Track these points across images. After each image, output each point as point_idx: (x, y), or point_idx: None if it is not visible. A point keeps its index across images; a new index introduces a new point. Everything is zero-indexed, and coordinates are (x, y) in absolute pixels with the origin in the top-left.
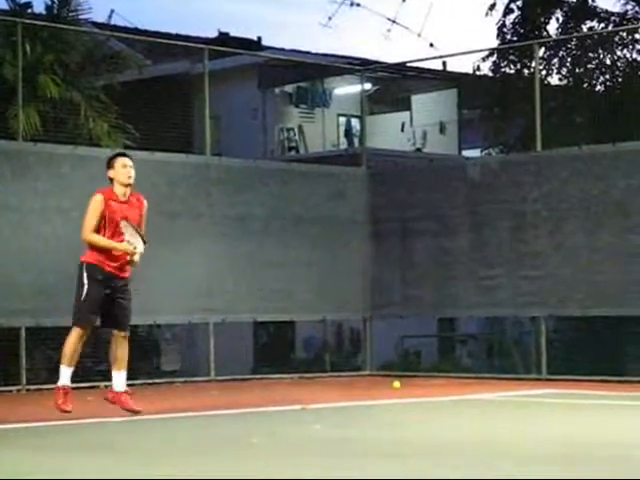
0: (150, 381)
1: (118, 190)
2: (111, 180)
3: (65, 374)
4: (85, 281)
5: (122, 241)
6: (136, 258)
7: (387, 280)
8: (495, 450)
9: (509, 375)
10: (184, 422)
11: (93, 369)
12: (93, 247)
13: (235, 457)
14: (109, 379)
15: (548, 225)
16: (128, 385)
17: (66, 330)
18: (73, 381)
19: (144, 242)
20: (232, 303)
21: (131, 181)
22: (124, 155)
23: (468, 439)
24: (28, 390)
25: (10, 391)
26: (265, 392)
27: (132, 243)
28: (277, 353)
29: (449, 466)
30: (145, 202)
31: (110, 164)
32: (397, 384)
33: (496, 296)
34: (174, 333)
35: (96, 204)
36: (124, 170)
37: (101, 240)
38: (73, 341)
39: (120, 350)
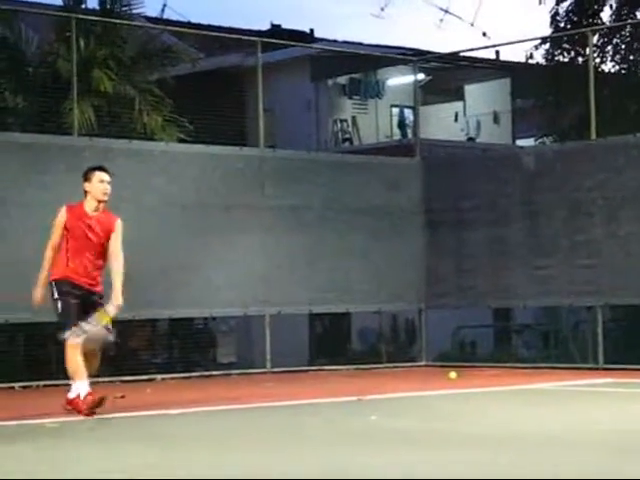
0: (207, 373)
1: (89, 205)
2: (85, 193)
3: (83, 386)
4: (56, 296)
5: (87, 258)
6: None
7: (442, 270)
8: (554, 440)
9: (565, 365)
10: (241, 414)
11: (149, 362)
12: (58, 261)
13: (292, 448)
14: (165, 371)
15: (603, 213)
16: (185, 378)
17: (122, 323)
18: (130, 374)
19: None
20: (288, 295)
21: (106, 198)
22: (102, 170)
23: (526, 429)
24: None
25: (68, 384)
26: (321, 384)
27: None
28: (333, 344)
29: (507, 456)
30: (118, 223)
31: (87, 177)
32: (453, 375)
33: (551, 285)
34: (230, 325)
35: (58, 216)
36: (101, 185)
37: (44, 260)
38: (72, 356)
39: (93, 362)
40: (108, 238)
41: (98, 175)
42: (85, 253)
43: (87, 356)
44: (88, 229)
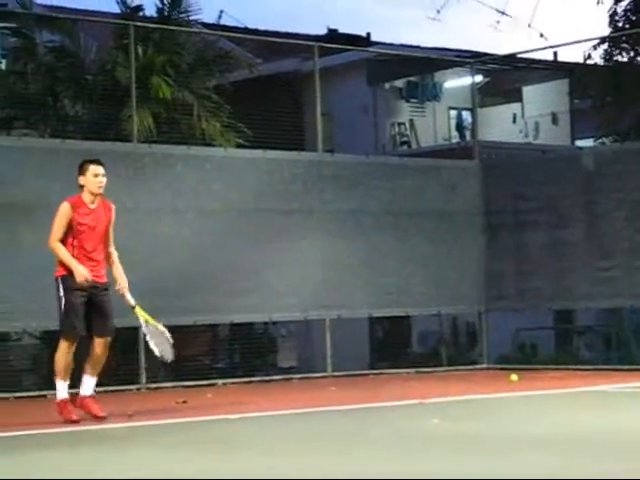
0: (267, 378)
1: (87, 198)
2: (81, 186)
3: (62, 388)
4: (62, 293)
5: (93, 251)
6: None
7: (502, 273)
8: (618, 442)
9: (627, 366)
10: (302, 418)
11: (210, 367)
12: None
13: (354, 451)
14: (226, 376)
15: None
16: (246, 382)
17: (183, 329)
18: (191, 379)
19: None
20: (347, 299)
21: (101, 191)
22: (97, 162)
23: (590, 431)
24: (148, 388)
25: (131, 390)
26: (382, 387)
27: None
28: (393, 348)
29: (569, 459)
30: (113, 209)
31: (82, 170)
32: (514, 377)
33: (613, 287)
34: (290, 330)
35: (63, 213)
36: (95, 179)
37: (62, 252)
38: (63, 354)
39: (101, 356)
40: (108, 226)
41: (93, 169)
42: (91, 246)
43: (98, 350)
44: (92, 222)
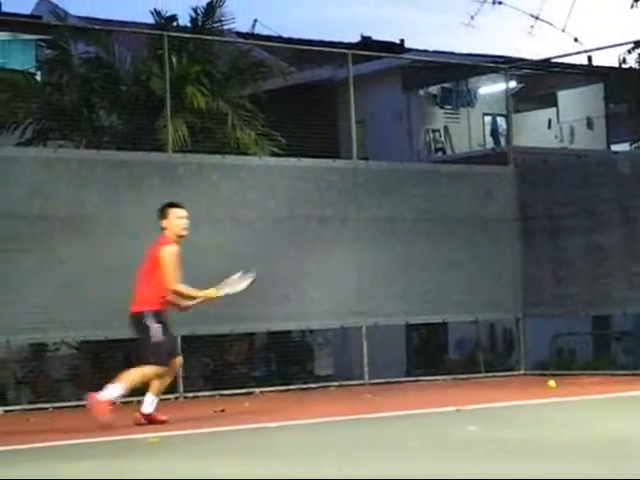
0: (304, 386)
1: (173, 240)
2: (163, 229)
3: (117, 391)
4: (155, 325)
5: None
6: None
7: (538, 279)
8: None
9: None
10: (340, 426)
11: (248, 375)
12: (158, 295)
13: (392, 459)
14: (264, 385)
15: None
16: (283, 391)
17: (220, 338)
18: (228, 387)
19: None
20: (384, 306)
21: (186, 232)
22: (178, 206)
23: (630, 437)
24: (185, 397)
25: (168, 399)
26: (419, 394)
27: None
28: (430, 355)
29: (610, 465)
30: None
31: (164, 214)
32: (552, 383)
33: None
34: (327, 337)
35: (175, 255)
36: (180, 222)
37: (187, 289)
38: (146, 375)
39: (169, 379)
40: None
41: (175, 212)
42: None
43: (166, 374)
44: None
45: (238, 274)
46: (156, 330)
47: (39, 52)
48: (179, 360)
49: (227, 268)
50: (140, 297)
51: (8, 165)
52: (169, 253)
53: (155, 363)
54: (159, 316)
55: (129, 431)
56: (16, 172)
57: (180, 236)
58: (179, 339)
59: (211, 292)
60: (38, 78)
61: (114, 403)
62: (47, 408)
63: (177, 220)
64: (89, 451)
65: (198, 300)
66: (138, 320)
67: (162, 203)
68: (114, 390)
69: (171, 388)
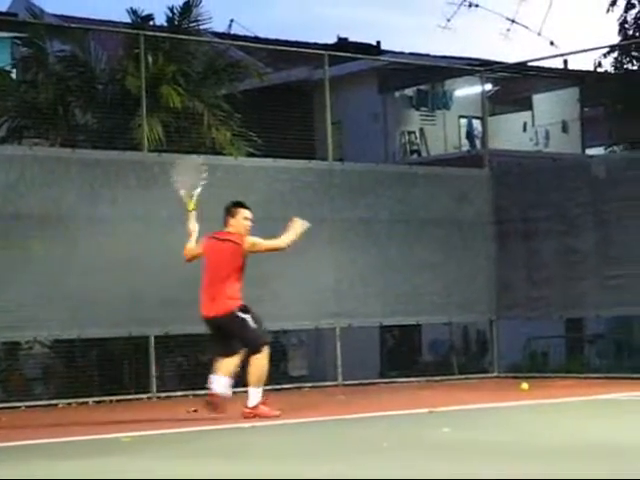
0: (278, 387)
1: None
2: (228, 226)
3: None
4: (242, 315)
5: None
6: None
7: (512, 281)
8: (627, 451)
9: (639, 374)
10: (313, 427)
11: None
12: (235, 291)
13: (365, 461)
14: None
15: None
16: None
17: (194, 338)
18: (201, 387)
19: None
20: (358, 307)
21: (248, 234)
22: (246, 207)
23: (601, 440)
24: (159, 397)
25: (141, 398)
26: (393, 396)
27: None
28: (404, 357)
29: (581, 468)
30: None
31: (232, 213)
32: (525, 386)
33: (624, 295)
34: (301, 338)
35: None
36: (246, 222)
37: (274, 242)
38: (265, 362)
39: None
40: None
41: (243, 212)
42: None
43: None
44: None
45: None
46: (249, 319)
47: (15, 50)
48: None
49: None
50: (222, 296)
51: None
52: (252, 239)
53: (260, 345)
54: (241, 308)
55: (102, 431)
56: None
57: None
58: (152, 339)
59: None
60: (13, 76)
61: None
62: (19, 407)
63: (244, 221)
64: (63, 451)
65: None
66: (231, 319)
67: (231, 201)
68: (254, 395)
69: (144, 388)
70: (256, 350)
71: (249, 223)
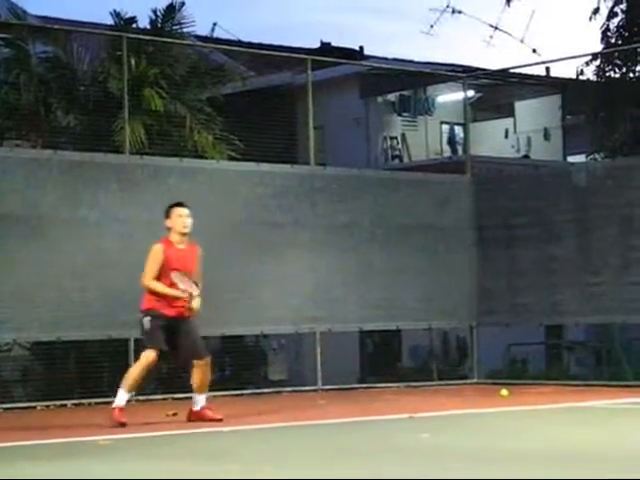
0: (258, 391)
1: (175, 239)
2: (168, 229)
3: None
4: (146, 319)
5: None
6: (195, 304)
7: (493, 288)
8: (605, 458)
9: (618, 382)
10: (292, 431)
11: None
12: (151, 294)
13: (344, 466)
14: (217, 389)
15: None
16: (237, 395)
17: None
18: (181, 391)
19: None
20: (338, 312)
21: (187, 230)
22: (181, 205)
23: (577, 447)
24: (137, 400)
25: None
26: (372, 401)
27: (186, 291)
28: (383, 362)
29: (558, 474)
30: (199, 250)
31: (167, 214)
32: (505, 392)
33: (603, 303)
34: (281, 343)
35: (157, 253)
36: (180, 220)
37: (159, 286)
38: (139, 369)
39: (203, 376)
40: (196, 265)
41: (177, 210)
42: (174, 287)
43: (199, 372)
44: (180, 262)
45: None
46: (144, 324)
47: None
48: (200, 362)
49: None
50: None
51: None
52: (152, 250)
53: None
54: (153, 314)
55: (80, 433)
56: None
57: (182, 234)
58: (131, 342)
59: (179, 293)
60: None
61: None
62: None
63: (177, 218)
64: (41, 453)
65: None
66: (140, 318)
67: (168, 203)
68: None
69: None
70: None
71: (185, 220)
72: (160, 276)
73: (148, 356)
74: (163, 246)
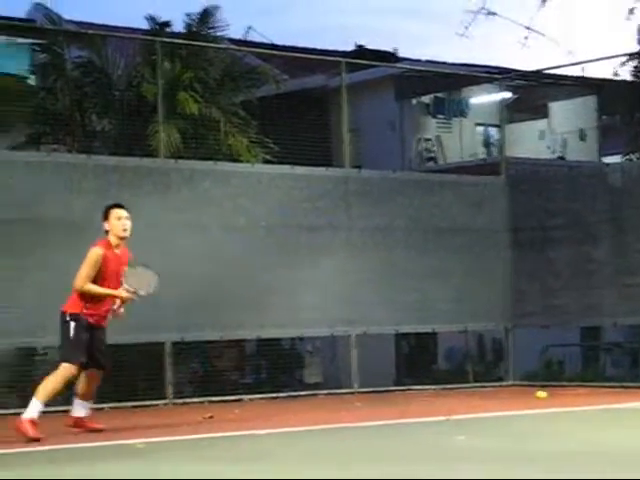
0: (294, 394)
1: (113, 241)
2: (106, 232)
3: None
4: (72, 325)
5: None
6: (122, 310)
7: (528, 289)
8: None
9: None
10: (328, 434)
11: (237, 382)
12: (80, 298)
13: (381, 467)
14: (253, 392)
15: None
16: (272, 398)
17: (210, 344)
18: (217, 394)
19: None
20: (373, 315)
21: (126, 234)
22: (119, 206)
23: (616, 449)
24: (174, 404)
25: (157, 405)
26: (408, 403)
27: (132, 286)
28: (419, 364)
29: (595, 475)
30: (130, 256)
31: (105, 216)
32: (541, 394)
33: (639, 303)
34: (316, 346)
35: (95, 257)
36: (119, 223)
37: (97, 288)
38: (58, 381)
39: (95, 385)
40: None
41: (115, 212)
42: (112, 288)
43: (91, 381)
44: (116, 266)
45: (140, 268)
46: (69, 329)
47: (33, 56)
48: (101, 372)
49: (217, 274)
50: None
51: (1, 168)
52: (90, 253)
53: (64, 360)
54: (77, 317)
55: (117, 436)
56: (9, 176)
57: (120, 237)
58: (166, 345)
59: (119, 292)
60: (32, 82)
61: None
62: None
63: (116, 221)
64: (78, 456)
65: (114, 296)
66: (61, 318)
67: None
68: (33, 407)
69: (159, 394)
70: (61, 361)
71: (124, 222)
72: (98, 281)
73: (69, 370)
74: (103, 250)
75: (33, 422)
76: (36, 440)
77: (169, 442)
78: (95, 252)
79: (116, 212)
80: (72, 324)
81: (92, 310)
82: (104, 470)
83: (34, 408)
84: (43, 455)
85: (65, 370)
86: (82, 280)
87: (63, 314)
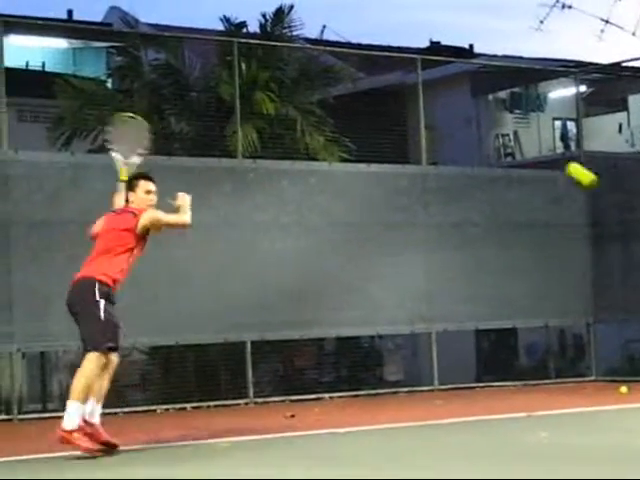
0: (374, 392)
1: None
2: (127, 202)
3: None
4: (102, 303)
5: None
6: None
7: (609, 284)
8: None
9: None
10: (410, 432)
11: (317, 381)
12: (114, 264)
13: (463, 466)
14: (333, 390)
15: None
16: (353, 397)
17: (290, 343)
18: (298, 393)
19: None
20: (453, 311)
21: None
22: (148, 178)
23: None
24: (256, 403)
25: (238, 404)
26: (489, 400)
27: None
28: (500, 360)
29: None
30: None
31: (131, 186)
32: (624, 389)
33: None
34: (396, 343)
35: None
36: (147, 197)
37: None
38: (91, 370)
39: (110, 375)
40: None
41: (144, 185)
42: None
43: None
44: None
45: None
46: (102, 306)
47: (110, 59)
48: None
49: (295, 273)
50: (95, 266)
51: (80, 171)
52: (151, 209)
53: (99, 346)
54: (103, 289)
55: (200, 436)
56: (87, 179)
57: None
58: (247, 344)
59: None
60: (109, 85)
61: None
62: (117, 413)
63: (145, 195)
64: (161, 456)
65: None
66: (85, 290)
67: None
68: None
69: (241, 393)
70: (89, 349)
71: (153, 197)
72: (136, 245)
73: (100, 360)
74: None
75: (85, 433)
76: (92, 450)
77: (252, 442)
78: (153, 210)
79: (146, 185)
80: (102, 302)
81: (120, 275)
82: (183, 471)
83: (72, 413)
84: (134, 455)
85: (95, 364)
86: (181, 219)
87: (90, 286)
